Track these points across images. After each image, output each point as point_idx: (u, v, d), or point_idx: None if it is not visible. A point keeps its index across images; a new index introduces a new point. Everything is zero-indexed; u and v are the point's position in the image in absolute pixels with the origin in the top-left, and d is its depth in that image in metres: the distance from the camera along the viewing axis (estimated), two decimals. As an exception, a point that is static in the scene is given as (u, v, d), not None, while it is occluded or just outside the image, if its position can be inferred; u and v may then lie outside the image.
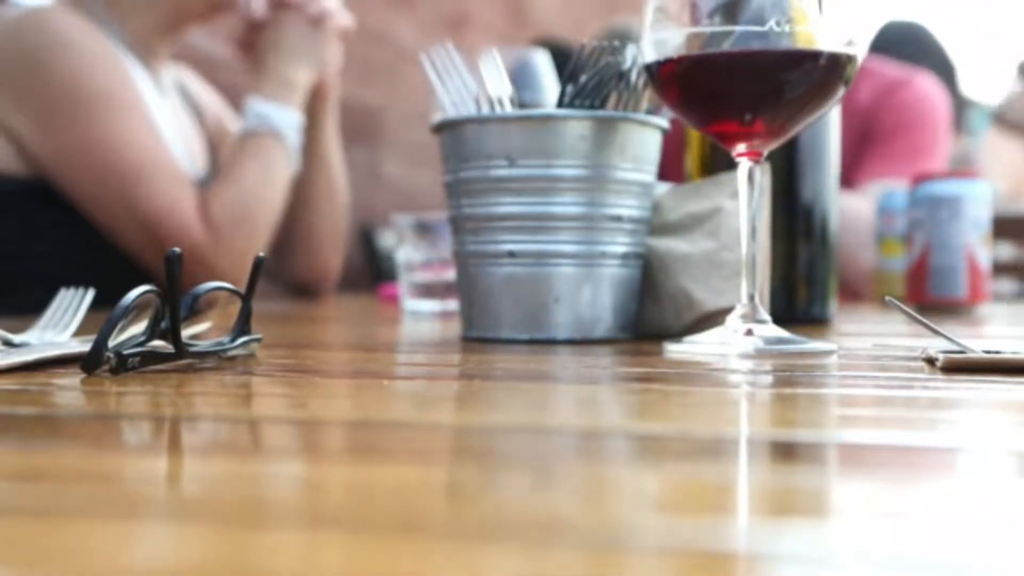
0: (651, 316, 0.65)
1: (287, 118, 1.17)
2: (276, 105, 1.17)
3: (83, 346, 0.46)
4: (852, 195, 1.35)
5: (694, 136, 0.82)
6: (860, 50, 0.54)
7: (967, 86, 2.65)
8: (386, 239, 2.29)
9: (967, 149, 2.54)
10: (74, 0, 1.15)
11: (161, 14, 1.19)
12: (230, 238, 1.12)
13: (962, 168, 2.39)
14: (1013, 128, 2.64)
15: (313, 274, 1.40)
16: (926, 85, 1.58)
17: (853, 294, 1.34)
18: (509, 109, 0.64)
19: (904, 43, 2.01)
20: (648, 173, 0.64)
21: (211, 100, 1.38)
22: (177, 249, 0.41)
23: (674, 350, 0.55)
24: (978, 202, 1.01)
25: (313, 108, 1.27)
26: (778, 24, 0.52)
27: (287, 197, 1.20)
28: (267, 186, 1.16)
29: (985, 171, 2.17)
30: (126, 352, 0.42)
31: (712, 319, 0.60)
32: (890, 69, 1.60)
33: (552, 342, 0.61)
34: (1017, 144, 2.62)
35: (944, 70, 2.00)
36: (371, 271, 2.30)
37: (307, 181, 1.30)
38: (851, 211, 1.27)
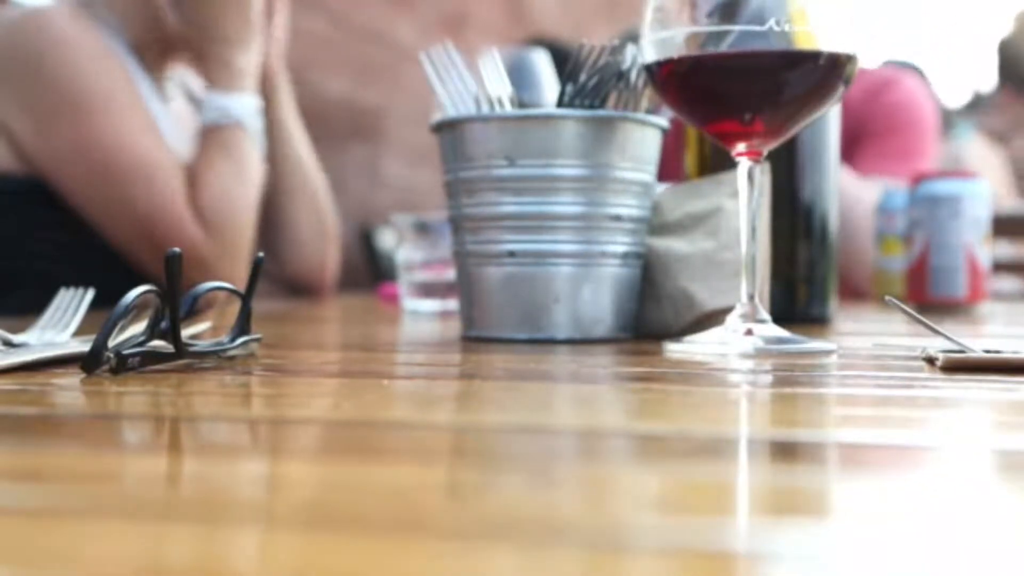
0: (651, 316, 0.65)
1: (245, 104, 1.16)
2: (232, 94, 1.16)
3: (83, 346, 0.46)
4: (855, 180, 1.34)
5: (694, 135, 0.82)
6: (859, 49, 0.54)
7: (952, 101, 2.66)
8: (386, 239, 2.29)
9: (957, 152, 2.54)
10: (75, 0, 1.15)
11: (145, 46, 1.19)
12: (222, 233, 1.12)
13: (952, 168, 2.40)
14: (994, 137, 2.65)
15: (307, 271, 1.39)
16: (913, 85, 1.58)
17: (853, 290, 1.33)
18: (509, 109, 0.64)
19: None
20: (648, 173, 0.64)
21: None
22: (177, 249, 0.41)
23: (674, 350, 0.55)
24: (977, 201, 1.01)
25: (265, 98, 1.27)
26: (777, 24, 0.52)
27: (260, 192, 1.20)
28: (245, 177, 1.16)
29: (975, 172, 2.18)
30: (126, 352, 0.42)
31: (712, 319, 0.60)
32: (876, 68, 1.60)
33: (552, 342, 0.60)
34: (1000, 148, 2.63)
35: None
36: (371, 271, 2.30)
37: (276, 175, 1.29)
38: (851, 196, 1.27)
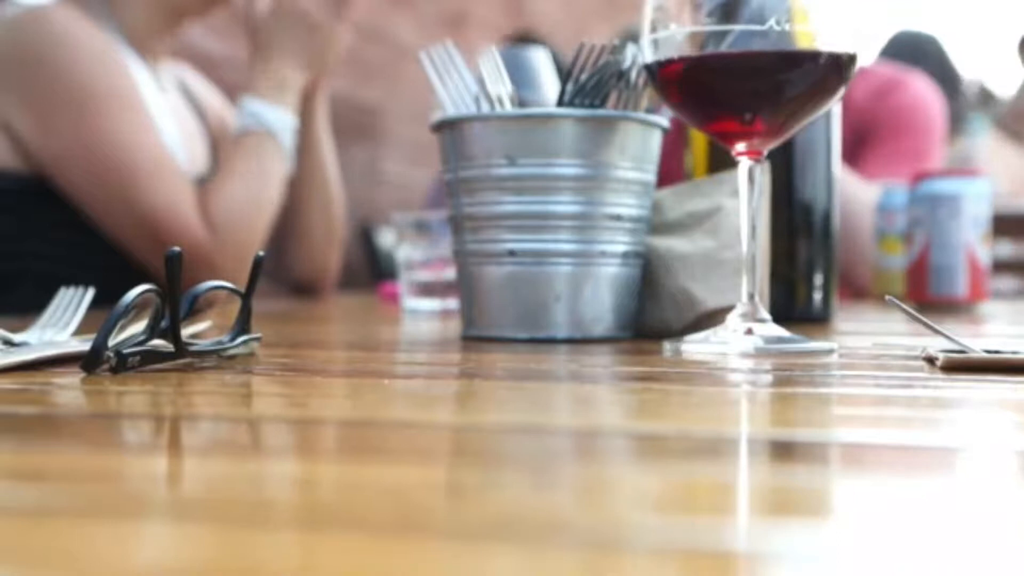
0: (651, 315, 0.65)
1: (281, 119, 1.17)
2: (271, 105, 1.17)
3: (83, 345, 0.46)
4: (856, 180, 1.34)
5: (694, 135, 0.82)
6: (860, 49, 0.54)
7: (970, 93, 2.66)
8: (386, 237, 2.29)
9: (968, 150, 2.54)
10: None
11: (157, 9, 1.19)
12: (230, 236, 1.12)
13: (962, 167, 2.40)
14: (1009, 135, 2.65)
15: (312, 273, 1.40)
16: (919, 86, 1.58)
17: (853, 289, 1.33)
18: (509, 108, 0.64)
19: (910, 52, 2.01)
20: (648, 172, 0.64)
21: (213, 98, 1.38)
22: (177, 248, 0.41)
23: (674, 349, 0.55)
24: (978, 200, 1.01)
25: (303, 103, 1.27)
26: (778, 23, 0.52)
27: (282, 196, 1.20)
28: (264, 184, 1.16)
29: (986, 171, 2.18)
30: (126, 351, 0.42)
31: (712, 318, 0.60)
32: (882, 68, 1.60)
33: (552, 341, 0.60)
34: (1015, 143, 2.63)
35: (948, 82, 2.00)
36: (371, 270, 2.30)
37: (300, 178, 1.30)
38: (851, 195, 1.27)
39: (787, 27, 0.52)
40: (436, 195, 1.99)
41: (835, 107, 0.84)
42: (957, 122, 2.36)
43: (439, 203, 1.90)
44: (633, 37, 0.59)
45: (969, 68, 2.43)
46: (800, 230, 0.81)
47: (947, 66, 2.28)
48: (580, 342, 0.60)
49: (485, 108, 0.64)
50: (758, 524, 0.20)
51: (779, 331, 0.55)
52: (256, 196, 1.15)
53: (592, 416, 0.34)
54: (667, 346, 0.56)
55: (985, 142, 2.60)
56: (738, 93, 0.55)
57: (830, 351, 0.54)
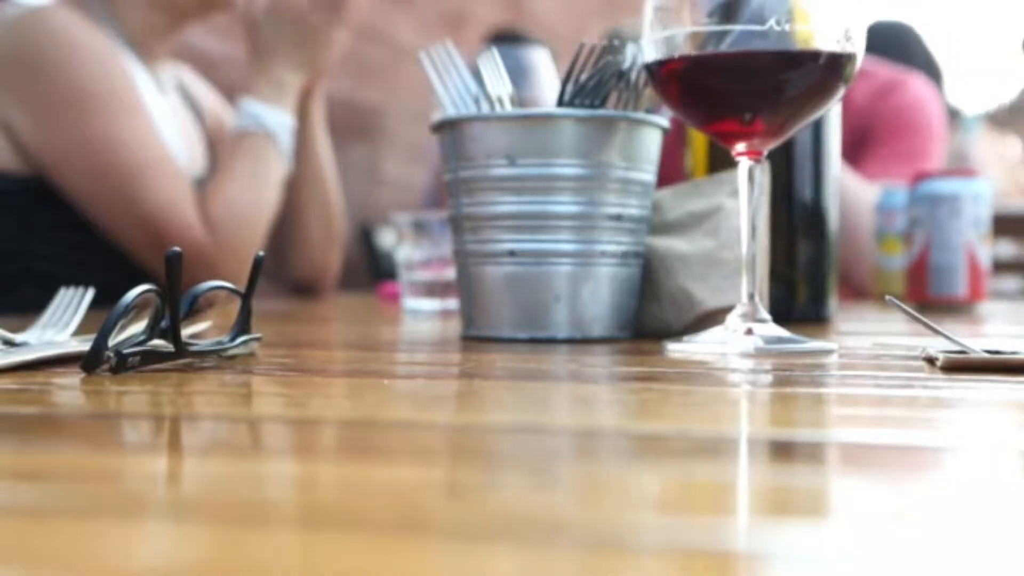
0: (651, 315, 0.65)
1: (280, 120, 1.17)
2: (270, 107, 1.17)
3: (83, 345, 0.46)
4: (856, 179, 1.34)
5: (694, 135, 0.82)
6: (860, 49, 0.54)
7: (953, 91, 2.65)
8: (386, 237, 2.29)
9: (962, 146, 2.54)
10: (74, -1, 1.15)
11: (158, 12, 1.19)
12: (230, 236, 1.12)
13: (958, 165, 2.40)
14: (1006, 127, 2.64)
15: (312, 273, 1.40)
16: (919, 87, 1.58)
17: (853, 289, 1.33)
18: (509, 108, 0.64)
19: (891, 45, 2.00)
20: (648, 172, 0.64)
21: (211, 99, 1.38)
22: (177, 248, 0.41)
23: (674, 349, 0.55)
24: (978, 200, 1.01)
25: (300, 104, 1.27)
26: (778, 23, 0.52)
27: (281, 196, 1.20)
28: (263, 185, 1.16)
29: (980, 168, 2.18)
30: (126, 351, 0.42)
31: (712, 318, 0.60)
32: (883, 70, 1.60)
33: (552, 341, 0.60)
34: (1011, 141, 2.63)
35: (930, 73, 2.00)
36: (371, 270, 2.30)
37: (298, 179, 1.30)
38: (851, 194, 1.26)
39: (787, 27, 0.52)
40: (432, 194, 1.99)
41: (835, 107, 0.84)
42: (950, 117, 2.36)
43: (435, 203, 1.90)
44: (622, 37, 0.59)
45: (947, 59, 2.41)
46: (800, 230, 0.81)
47: (929, 58, 2.27)
48: (580, 342, 0.60)
49: (485, 108, 0.64)
50: (758, 524, 0.20)
51: (779, 331, 0.55)
52: (255, 197, 1.15)
53: (592, 416, 0.34)
54: (667, 346, 0.56)
55: (979, 138, 2.60)
56: (738, 93, 0.55)
57: (830, 351, 0.54)
